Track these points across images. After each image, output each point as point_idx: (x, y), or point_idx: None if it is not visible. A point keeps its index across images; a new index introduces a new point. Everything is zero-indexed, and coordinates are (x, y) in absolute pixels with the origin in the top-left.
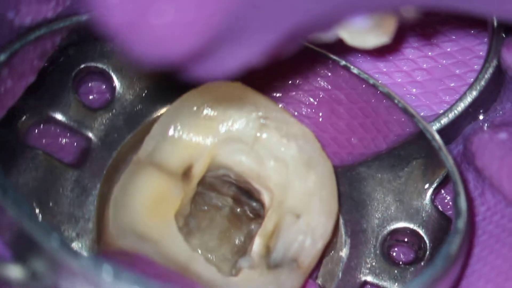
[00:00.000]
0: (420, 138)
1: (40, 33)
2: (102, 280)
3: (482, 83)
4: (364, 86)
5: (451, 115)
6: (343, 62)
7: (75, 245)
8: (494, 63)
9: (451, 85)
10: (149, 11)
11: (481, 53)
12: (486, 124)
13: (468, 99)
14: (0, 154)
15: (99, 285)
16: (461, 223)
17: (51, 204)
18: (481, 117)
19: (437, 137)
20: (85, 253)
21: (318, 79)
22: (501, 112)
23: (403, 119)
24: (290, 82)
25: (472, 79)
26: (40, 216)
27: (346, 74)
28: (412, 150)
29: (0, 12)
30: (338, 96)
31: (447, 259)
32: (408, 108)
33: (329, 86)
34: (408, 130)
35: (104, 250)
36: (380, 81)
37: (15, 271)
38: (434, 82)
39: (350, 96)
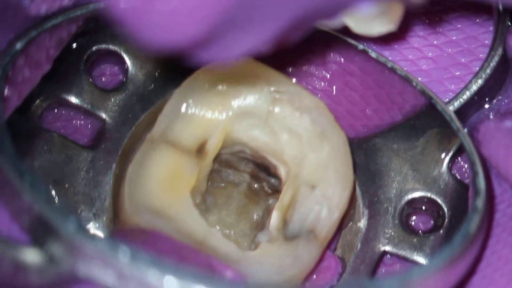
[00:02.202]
0: (435, 107)
1: (57, 21)
2: (119, 262)
3: (488, 71)
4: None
5: (457, 104)
6: (361, 46)
7: (93, 225)
8: (500, 51)
9: (457, 73)
10: None
11: (486, 42)
12: (492, 113)
13: (474, 87)
14: (16, 138)
15: (116, 267)
16: (479, 203)
17: (67, 185)
18: (486, 105)
19: (456, 119)
20: (102, 233)
21: (331, 52)
22: (506, 101)
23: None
24: (302, 56)
25: (477, 68)
26: (57, 198)
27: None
28: (428, 119)
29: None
30: (351, 68)
31: (466, 238)
32: (426, 91)
33: (341, 59)
34: (423, 100)
35: (121, 228)
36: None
37: (32, 256)
38: (440, 71)
39: (364, 68)
